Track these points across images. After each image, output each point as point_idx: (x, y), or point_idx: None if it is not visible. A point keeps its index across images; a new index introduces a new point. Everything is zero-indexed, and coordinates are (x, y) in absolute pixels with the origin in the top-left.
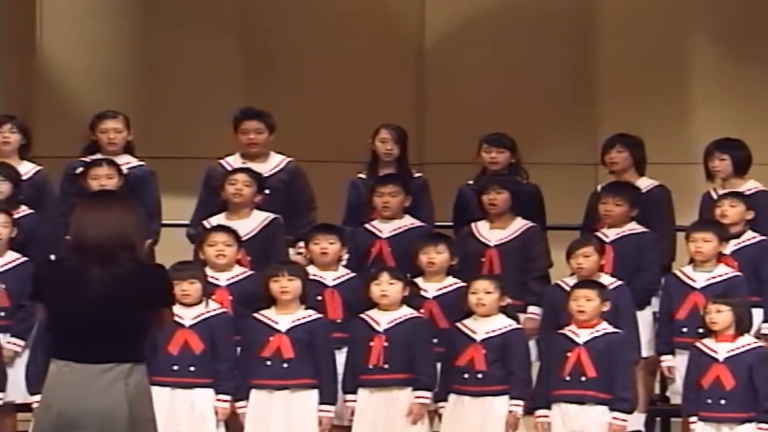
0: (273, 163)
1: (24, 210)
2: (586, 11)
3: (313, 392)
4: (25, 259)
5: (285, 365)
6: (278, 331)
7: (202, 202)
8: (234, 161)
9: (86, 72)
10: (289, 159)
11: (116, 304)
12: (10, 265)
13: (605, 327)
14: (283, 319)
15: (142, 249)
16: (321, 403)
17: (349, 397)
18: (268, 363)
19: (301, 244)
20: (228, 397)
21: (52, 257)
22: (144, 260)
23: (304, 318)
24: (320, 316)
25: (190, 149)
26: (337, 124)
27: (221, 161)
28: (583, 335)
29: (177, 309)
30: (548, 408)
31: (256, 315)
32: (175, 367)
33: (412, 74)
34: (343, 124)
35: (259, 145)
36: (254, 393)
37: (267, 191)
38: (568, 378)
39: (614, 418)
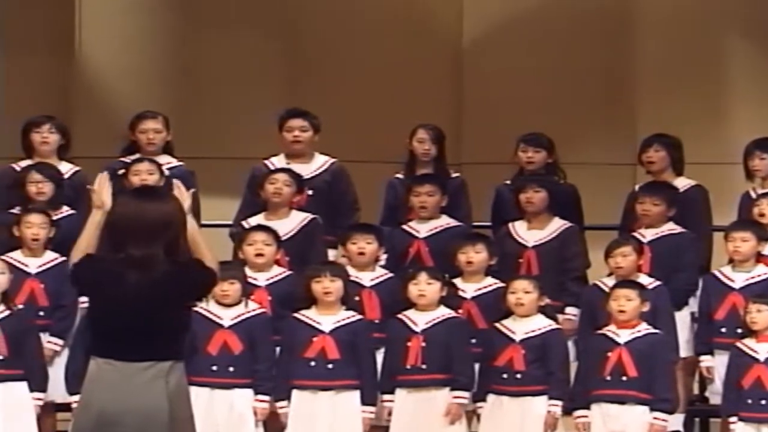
0: (317, 164)
1: (66, 210)
2: (623, 11)
3: (357, 393)
4: (63, 258)
5: (329, 366)
6: (322, 331)
7: (245, 202)
8: (278, 161)
9: (125, 73)
10: (333, 160)
11: (155, 303)
12: (48, 265)
13: (646, 327)
14: (326, 319)
15: (181, 245)
16: (362, 403)
17: (386, 397)
18: (312, 364)
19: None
20: (267, 398)
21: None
22: (182, 257)
23: (346, 319)
24: (361, 317)
25: (229, 149)
26: (375, 124)
27: (266, 161)
28: (623, 335)
29: (216, 309)
30: (587, 408)
31: (297, 315)
32: (214, 368)
33: (450, 74)
34: (381, 125)
35: (303, 144)
36: (297, 393)
37: (310, 192)
38: (608, 378)
39: (655, 418)
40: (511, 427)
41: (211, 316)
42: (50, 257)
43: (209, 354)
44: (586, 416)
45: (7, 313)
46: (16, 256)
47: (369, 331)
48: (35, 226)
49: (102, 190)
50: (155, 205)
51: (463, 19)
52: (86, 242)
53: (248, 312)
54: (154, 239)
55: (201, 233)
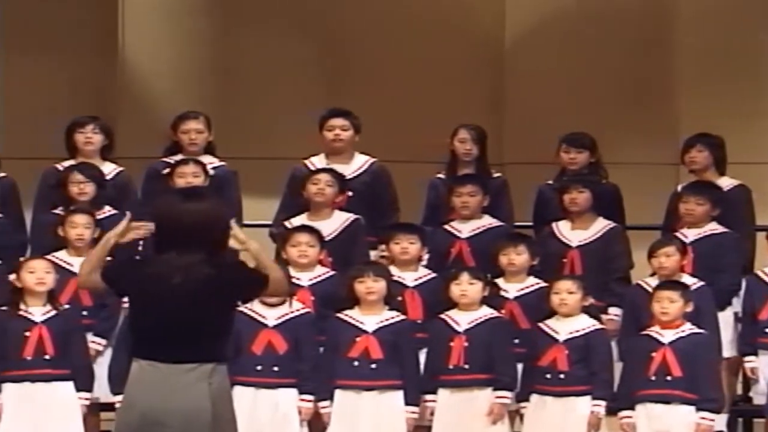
0: (357, 164)
1: (108, 210)
2: (664, 9)
3: (400, 393)
4: (108, 259)
5: (373, 366)
6: (365, 331)
7: (285, 202)
8: (319, 161)
9: (167, 73)
10: (373, 160)
11: (198, 304)
12: None
13: (690, 327)
14: (369, 319)
15: (225, 246)
16: (406, 403)
17: (428, 397)
18: (356, 363)
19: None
20: (311, 397)
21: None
22: (226, 259)
23: (389, 319)
24: (404, 317)
25: (269, 150)
26: (417, 124)
27: (306, 161)
28: (668, 335)
29: (261, 309)
30: (632, 408)
31: (340, 315)
32: (259, 368)
33: (492, 74)
34: (422, 125)
35: (344, 143)
36: (340, 393)
37: (350, 192)
38: (653, 378)
39: (702, 417)
40: (554, 427)
41: (255, 315)
42: None
43: (254, 354)
44: (630, 417)
45: (53, 313)
46: (61, 256)
47: (412, 331)
48: (80, 226)
49: (125, 231)
50: (199, 206)
51: (505, 18)
52: (96, 262)
53: (292, 312)
54: (197, 240)
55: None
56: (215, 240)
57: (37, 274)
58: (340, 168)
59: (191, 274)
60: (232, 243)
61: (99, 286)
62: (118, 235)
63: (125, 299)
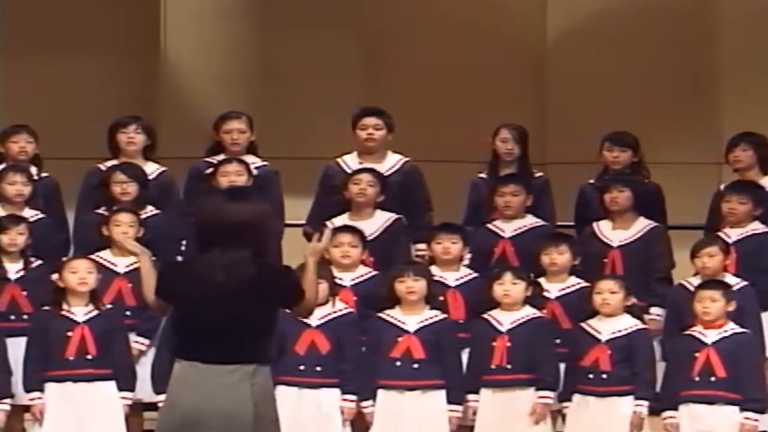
0: (389, 163)
1: (151, 210)
2: (707, 8)
3: (442, 393)
4: (152, 259)
5: (415, 366)
6: (407, 331)
7: (318, 201)
8: (351, 160)
9: (208, 74)
10: (406, 159)
11: (241, 304)
12: (136, 265)
13: (733, 327)
14: (411, 319)
15: (272, 248)
16: (449, 403)
17: (471, 396)
18: (398, 363)
19: (420, 245)
20: (354, 397)
21: (179, 258)
22: (271, 261)
23: (430, 318)
24: (446, 316)
25: (310, 150)
26: (458, 123)
27: (338, 160)
28: (711, 335)
29: None
30: (675, 409)
31: (381, 315)
32: (302, 367)
33: (534, 73)
34: (464, 124)
35: (377, 142)
36: (383, 393)
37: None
38: (696, 378)
39: (746, 418)
40: (596, 427)
41: None
42: None
43: (297, 353)
44: (674, 417)
45: (95, 313)
46: (105, 256)
47: (453, 330)
48: (124, 224)
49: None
50: (244, 205)
51: (547, 17)
52: (149, 286)
53: (335, 312)
54: (242, 240)
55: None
56: (259, 240)
57: (79, 274)
58: (373, 167)
59: (234, 273)
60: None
61: (161, 305)
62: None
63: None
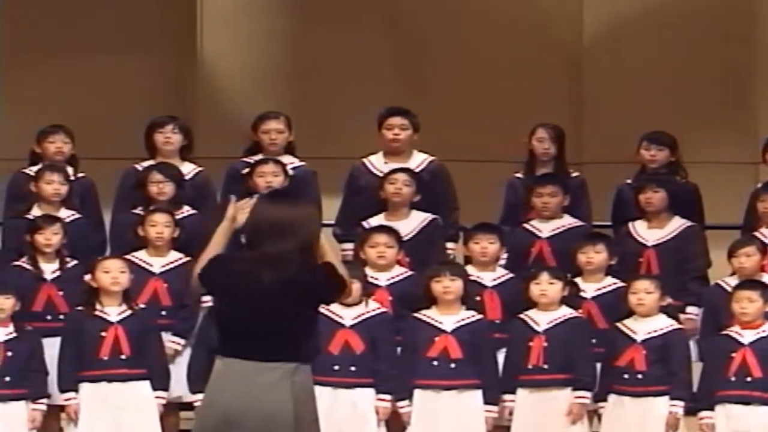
0: (415, 163)
1: (187, 210)
2: (743, 7)
3: (479, 392)
4: (187, 259)
5: (452, 365)
6: (443, 331)
7: (345, 201)
8: (377, 160)
9: (246, 73)
10: (432, 158)
11: (286, 303)
12: (172, 265)
13: None
14: (447, 319)
15: (317, 249)
16: (485, 403)
17: (507, 397)
18: (435, 363)
19: (450, 245)
20: (389, 397)
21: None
22: (315, 260)
23: (467, 318)
24: (481, 316)
25: (348, 149)
26: (495, 123)
27: (364, 160)
28: (748, 336)
29: (337, 309)
30: (711, 409)
31: (418, 315)
32: (336, 367)
33: (570, 73)
34: (501, 124)
35: (403, 142)
36: (419, 393)
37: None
38: (733, 378)
39: None
40: (632, 427)
41: (332, 315)
42: (174, 257)
43: (331, 353)
44: (710, 417)
45: (128, 312)
46: (141, 256)
47: (490, 330)
48: (159, 224)
49: (242, 210)
50: (291, 207)
51: (583, 16)
52: (213, 252)
53: (369, 311)
54: (289, 239)
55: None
56: (305, 239)
57: (111, 273)
58: (399, 167)
59: (280, 272)
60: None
61: (196, 285)
62: (230, 219)
63: (206, 298)
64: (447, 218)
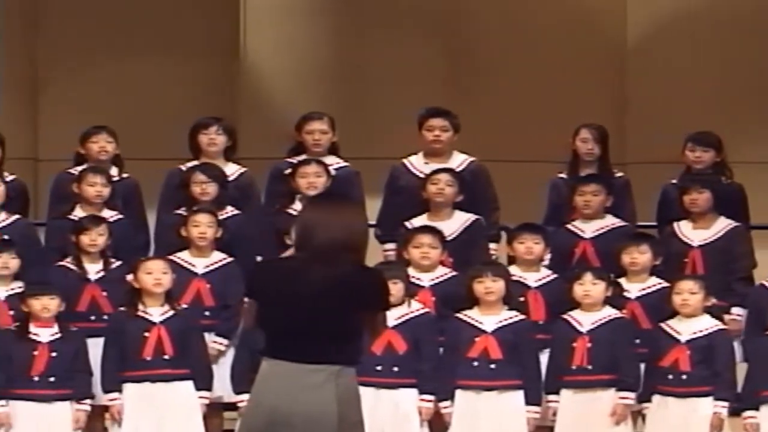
0: (455, 163)
1: (230, 211)
2: None
3: (520, 393)
4: (230, 259)
5: (492, 366)
6: (484, 331)
7: (386, 202)
8: (417, 161)
9: (289, 73)
10: (472, 159)
11: (334, 305)
12: (215, 265)
13: None
14: (489, 319)
15: (365, 252)
16: (527, 403)
17: (551, 397)
18: (475, 364)
19: (491, 245)
20: (432, 397)
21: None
22: (363, 262)
23: (509, 319)
24: (524, 317)
25: (393, 149)
26: (539, 123)
27: (404, 161)
28: None
29: None
30: (756, 409)
31: (459, 315)
32: (379, 367)
33: (614, 73)
34: (545, 124)
35: (443, 143)
36: (460, 393)
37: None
38: None
39: None
40: (676, 428)
41: None
42: (217, 258)
43: (374, 354)
44: (755, 417)
45: (171, 313)
46: (184, 256)
47: (532, 331)
48: (202, 224)
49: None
50: (338, 208)
51: (627, 17)
52: None
53: (411, 312)
54: (338, 241)
55: None
56: (353, 241)
57: (154, 274)
58: (439, 167)
59: (328, 273)
60: None
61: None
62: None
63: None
64: (488, 218)
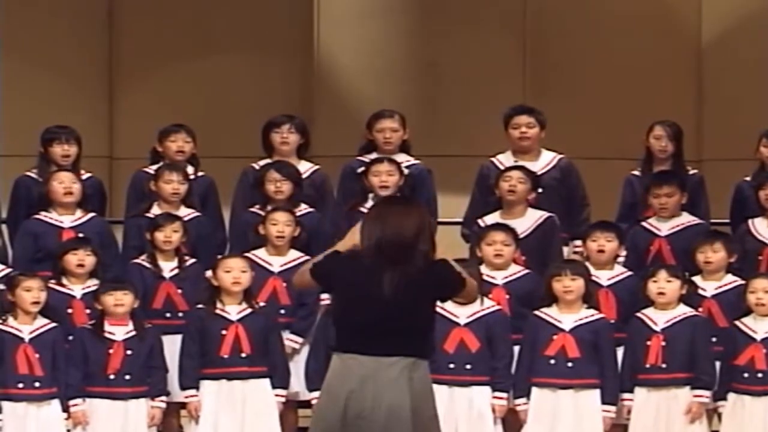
0: (545, 161)
1: (304, 208)
2: None
3: (597, 391)
4: (306, 258)
5: (569, 364)
6: (562, 330)
7: (475, 200)
8: (505, 159)
9: (363, 72)
10: (561, 156)
11: (407, 299)
12: (291, 264)
13: None
14: (567, 318)
15: (434, 252)
16: (603, 402)
17: (626, 396)
18: (552, 362)
19: (577, 242)
20: (505, 395)
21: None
22: (433, 257)
23: (587, 317)
24: (603, 315)
25: (468, 147)
26: (616, 121)
27: (493, 159)
28: None
29: (452, 307)
30: None
31: (538, 313)
32: (452, 366)
33: (690, 70)
34: (622, 121)
35: (530, 140)
36: (537, 391)
37: (539, 189)
38: None
39: None
40: (753, 426)
41: (446, 314)
42: (293, 256)
43: (446, 352)
44: None
45: (249, 311)
46: (260, 254)
47: (611, 330)
48: (280, 223)
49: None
50: (410, 209)
51: (702, 14)
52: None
53: (484, 309)
54: (411, 239)
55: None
56: (424, 240)
57: (233, 273)
58: (528, 165)
59: (400, 269)
60: None
61: (311, 284)
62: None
63: (324, 296)
64: (578, 215)
